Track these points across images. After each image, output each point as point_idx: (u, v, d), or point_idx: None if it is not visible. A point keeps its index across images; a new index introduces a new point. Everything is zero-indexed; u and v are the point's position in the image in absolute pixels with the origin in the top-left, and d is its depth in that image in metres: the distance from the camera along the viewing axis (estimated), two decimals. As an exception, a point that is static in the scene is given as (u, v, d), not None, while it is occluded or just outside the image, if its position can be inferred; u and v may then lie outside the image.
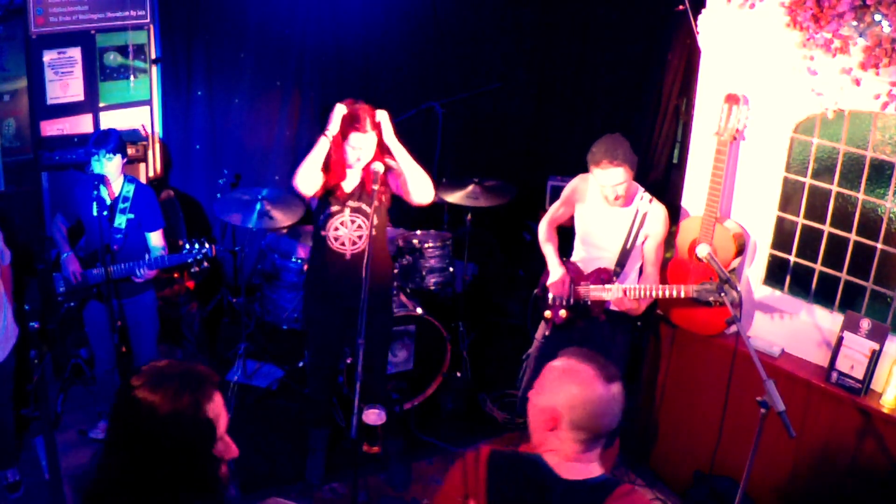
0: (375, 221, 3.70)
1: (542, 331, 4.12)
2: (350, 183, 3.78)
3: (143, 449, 1.66)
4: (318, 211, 3.84)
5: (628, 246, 3.85)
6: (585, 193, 3.94)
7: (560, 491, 1.88)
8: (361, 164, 3.69)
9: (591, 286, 3.86)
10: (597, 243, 3.93)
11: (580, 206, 3.97)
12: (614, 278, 3.86)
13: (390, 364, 4.44)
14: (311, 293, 4.04)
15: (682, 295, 3.65)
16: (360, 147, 3.64)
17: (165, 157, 5.38)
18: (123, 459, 1.69)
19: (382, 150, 3.73)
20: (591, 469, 1.93)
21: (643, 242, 3.87)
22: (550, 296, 3.95)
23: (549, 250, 4.02)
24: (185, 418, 1.67)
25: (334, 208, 3.77)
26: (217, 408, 1.73)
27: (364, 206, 3.75)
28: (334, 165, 3.70)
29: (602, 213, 3.88)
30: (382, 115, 3.69)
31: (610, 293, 3.77)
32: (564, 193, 4.04)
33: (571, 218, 4.07)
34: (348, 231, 3.79)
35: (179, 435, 1.66)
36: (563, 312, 3.94)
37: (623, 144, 3.67)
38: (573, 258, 4.05)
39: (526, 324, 4.21)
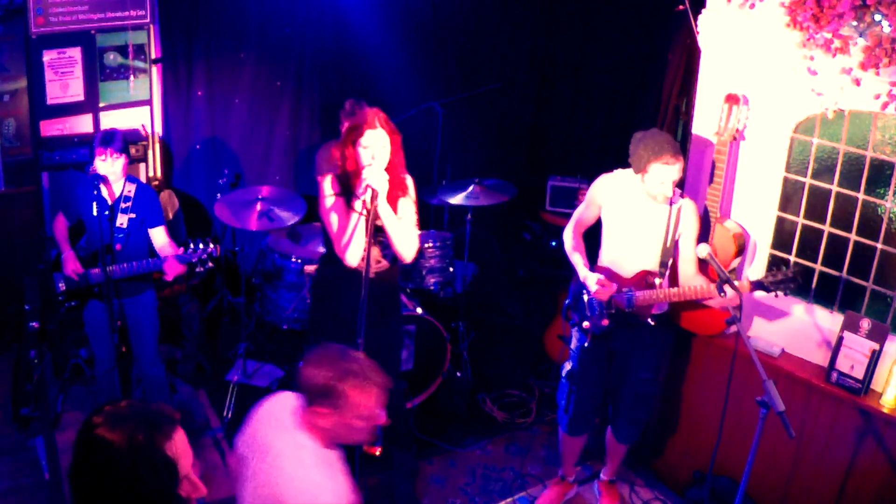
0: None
1: (577, 342, 3.87)
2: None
3: (105, 488, 1.68)
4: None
5: (668, 244, 3.63)
6: (614, 194, 3.68)
7: None
8: (378, 164, 3.38)
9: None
10: (635, 244, 3.67)
11: (612, 208, 3.70)
12: (660, 280, 3.65)
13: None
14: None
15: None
16: (371, 144, 3.37)
17: (166, 157, 5.38)
18: (89, 499, 1.70)
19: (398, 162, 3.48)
20: None
21: (678, 238, 3.66)
22: (591, 302, 3.70)
23: (578, 259, 3.75)
24: (140, 456, 1.68)
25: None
26: (177, 447, 1.74)
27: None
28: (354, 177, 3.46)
29: (639, 212, 3.64)
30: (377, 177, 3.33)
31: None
32: (590, 196, 3.78)
33: (597, 221, 3.84)
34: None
35: (137, 473, 1.68)
36: (604, 321, 3.70)
37: (671, 136, 3.50)
38: (603, 262, 3.79)
39: (529, 338, 4.01)
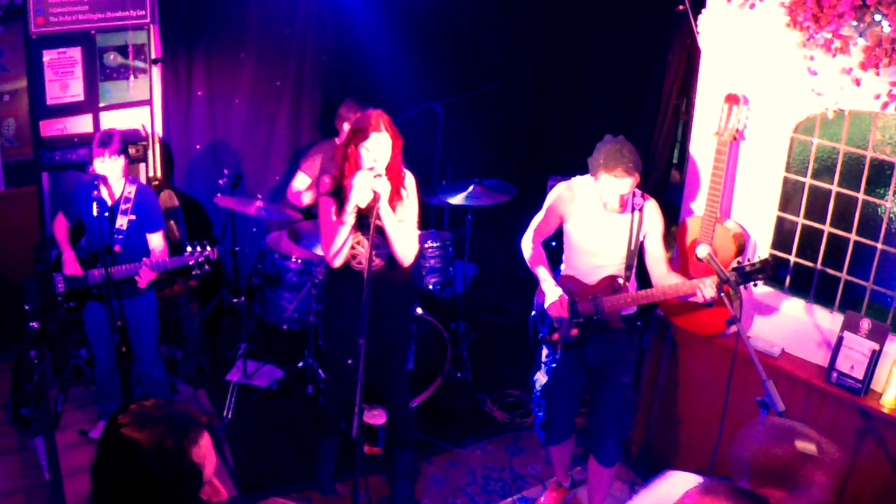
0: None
1: (547, 354, 3.84)
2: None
3: (128, 488, 1.67)
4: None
5: (633, 247, 3.63)
6: (574, 203, 3.66)
7: None
8: (380, 168, 3.39)
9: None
10: (599, 252, 3.66)
11: (573, 218, 3.68)
12: (627, 283, 3.66)
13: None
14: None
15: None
16: (375, 148, 3.36)
17: (166, 158, 5.38)
18: (110, 498, 1.69)
19: (397, 164, 3.48)
20: None
21: (643, 239, 3.67)
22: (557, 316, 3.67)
23: (542, 271, 3.69)
24: (168, 461, 1.67)
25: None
26: (203, 452, 1.72)
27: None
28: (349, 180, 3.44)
29: (600, 221, 3.62)
30: (381, 183, 3.36)
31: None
32: (548, 204, 3.72)
33: (557, 229, 3.81)
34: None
35: (162, 477, 1.66)
36: (573, 330, 3.68)
37: (633, 150, 3.45)
38: (567, 271, 3.78)
39: (528, 339, 3.93)
